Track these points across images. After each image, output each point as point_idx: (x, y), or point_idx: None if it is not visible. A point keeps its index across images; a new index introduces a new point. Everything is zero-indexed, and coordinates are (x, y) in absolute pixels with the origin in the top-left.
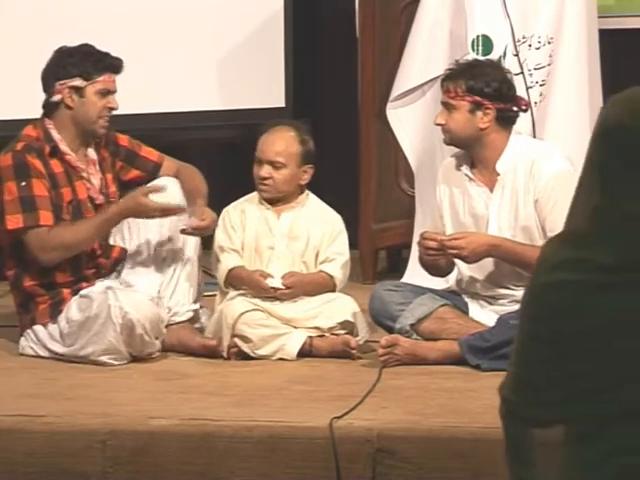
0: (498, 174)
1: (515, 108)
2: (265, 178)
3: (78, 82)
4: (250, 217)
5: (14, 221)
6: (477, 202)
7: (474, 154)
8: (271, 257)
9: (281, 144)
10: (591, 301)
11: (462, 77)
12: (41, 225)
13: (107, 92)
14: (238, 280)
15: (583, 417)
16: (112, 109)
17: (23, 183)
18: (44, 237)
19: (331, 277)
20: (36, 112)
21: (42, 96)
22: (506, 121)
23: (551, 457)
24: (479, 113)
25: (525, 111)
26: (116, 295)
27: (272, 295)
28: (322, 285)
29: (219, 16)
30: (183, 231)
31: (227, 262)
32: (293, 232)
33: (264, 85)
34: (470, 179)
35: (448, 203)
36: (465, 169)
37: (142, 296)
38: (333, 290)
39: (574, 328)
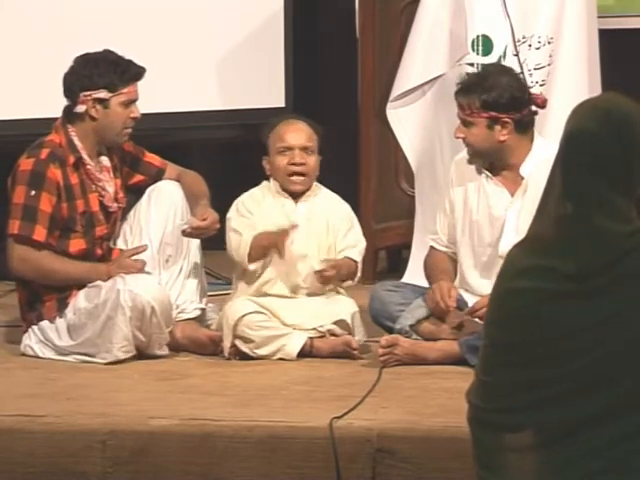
0: (522, 178)
1: (533, 108)
2: (301, 164)
3: (103, 94)
4: (266, 203)
5: (11, 226)
6: (494, 202)
7: (497, 162)
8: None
9: (307, 130)
10: (554, 309)
11: (474, 92)
12: (33, 239)
13: (130, 102)
14: (263, 241)
15: (550, 422)
16: (135, 119)
17: (33, 192)
18: (28, 251)
19: (355, 262)
20: (35, 112)
21: (41, 97)
22: (525, 126)
23: (520, 462)
24: (497, 127)
25: (543, 107)
26: (124, 280)
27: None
28: (351, 270)
29: (219, 16)
30: (183, 232)
31: (247, 236)
32: (312, 220)
33: (264, 85)
34: (487, 177)
35: (462, 200)
36: (482, 166)
37: (151, 278)
38: (354, 277)
39: (537, 335)
